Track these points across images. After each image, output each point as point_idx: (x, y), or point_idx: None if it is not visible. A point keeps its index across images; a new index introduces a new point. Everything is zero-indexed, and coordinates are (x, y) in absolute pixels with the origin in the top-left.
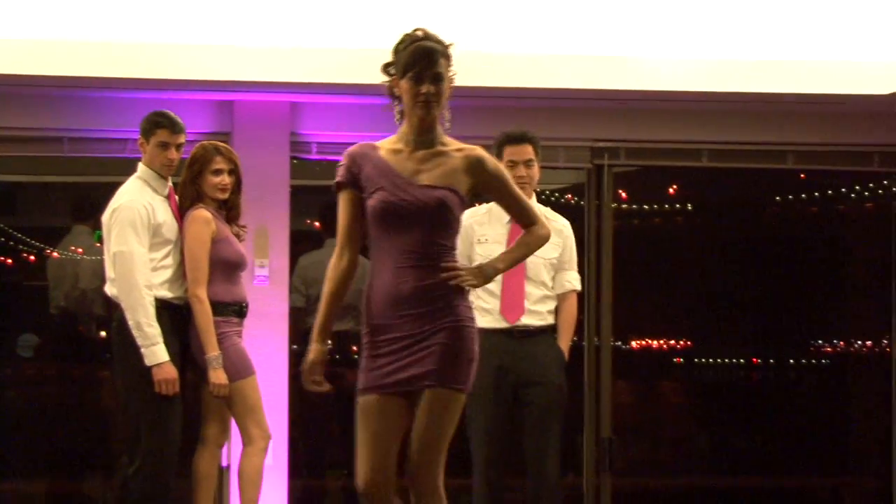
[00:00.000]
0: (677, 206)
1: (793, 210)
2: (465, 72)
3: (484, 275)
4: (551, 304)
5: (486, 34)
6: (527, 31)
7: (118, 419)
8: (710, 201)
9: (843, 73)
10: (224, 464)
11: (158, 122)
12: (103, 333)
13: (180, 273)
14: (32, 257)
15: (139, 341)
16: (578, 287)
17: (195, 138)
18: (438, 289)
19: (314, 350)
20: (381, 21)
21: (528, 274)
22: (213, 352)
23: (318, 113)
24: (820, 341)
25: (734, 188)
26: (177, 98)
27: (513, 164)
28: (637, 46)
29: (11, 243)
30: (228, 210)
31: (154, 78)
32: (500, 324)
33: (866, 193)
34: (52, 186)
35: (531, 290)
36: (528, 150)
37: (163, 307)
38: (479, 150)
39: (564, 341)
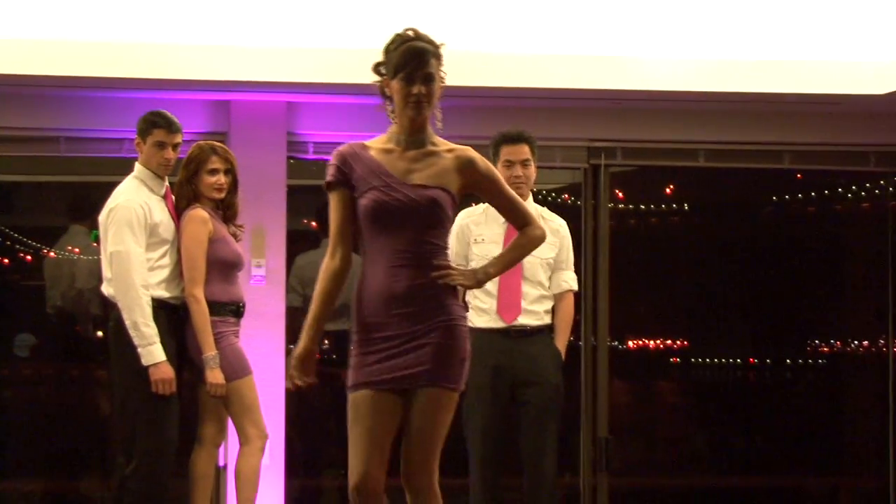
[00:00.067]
0: (674, 206)
1: (789, 210)
2: (463, 72)
3: (476, 278)
4: (548, 304)
5: (483, 34)
6: (524, 31)
7: (115, 419)
8: (707, 201)
9: (840, 74)
10: (221, 463)
11: (155, 122)
12: (100, 333)
13: (177, 273)
14: (29, 257)
15: (136, 341)
16: (575, 287)
17: (192, 138)
18: (431, 288)
19: (301, 345)
20: (378, 21)
21: (525, 274)
22: (210, 351)
23: (315, 113)
24: (817, 341)
25: (731, 188)
26: (173, 98)
27: (509, 164)
28: (633, 46)
29: (8, 243)
30: (225, 210)
31: (151, 78)
32: (497, 323)
33: (863, 193)
34: (49, 186)
35: (528, 289)
36: (524, 150)
37: (159, 307)
38: (470, 151)
39: (561, 341)
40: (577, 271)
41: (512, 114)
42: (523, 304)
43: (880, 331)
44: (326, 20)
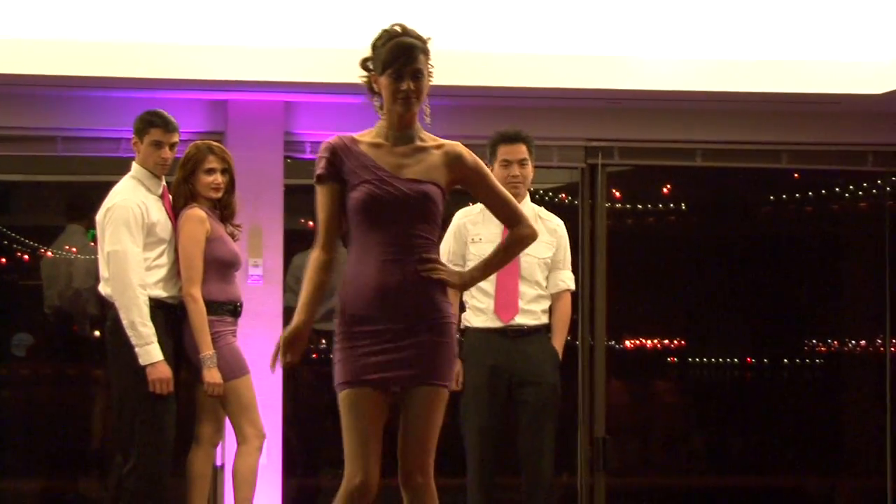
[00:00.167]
0: (671, 205)
1: (787, 210)
2: (461, 72)
3: (462, 279)
4: (545, 304)
5: (480, 34)
6: (521, 31)
7: (113, 419)
8: (704, 201)
9: (837, 73)
10: (219, 463)
11: (152, 122)
12: (97, 333)
13: (174, 272)
14: (26, 256)
15: (133, 340)
16: (572, 286)
17: (189, 138)
18: (422, 283)
19: (293, 324)
20: (376, 21)
21: (522, 273)
22: (207, 351)
23: (312, 112)
24: (814, 340)
25: (728, 188)
26: (171, 97)
27: (507, 164)
28: (630, 46)
29: (5, 242)
30: (222, 209)
31: (148, 77)
32: (495, 323)
33: (860, 193)
34: (46, 186)
35: (525, 289)
36: (521, 150)
37: (157, 306)
38: (459, 146)
39: (558, 341)
40: (575, 271)
41: (509, 113)
42: (520, 304)
43: (878, 330)
44: (323, 20)
